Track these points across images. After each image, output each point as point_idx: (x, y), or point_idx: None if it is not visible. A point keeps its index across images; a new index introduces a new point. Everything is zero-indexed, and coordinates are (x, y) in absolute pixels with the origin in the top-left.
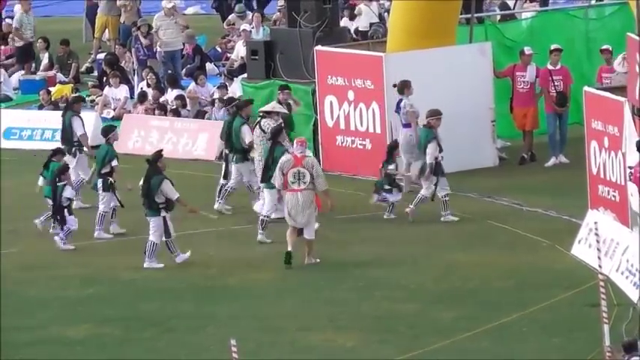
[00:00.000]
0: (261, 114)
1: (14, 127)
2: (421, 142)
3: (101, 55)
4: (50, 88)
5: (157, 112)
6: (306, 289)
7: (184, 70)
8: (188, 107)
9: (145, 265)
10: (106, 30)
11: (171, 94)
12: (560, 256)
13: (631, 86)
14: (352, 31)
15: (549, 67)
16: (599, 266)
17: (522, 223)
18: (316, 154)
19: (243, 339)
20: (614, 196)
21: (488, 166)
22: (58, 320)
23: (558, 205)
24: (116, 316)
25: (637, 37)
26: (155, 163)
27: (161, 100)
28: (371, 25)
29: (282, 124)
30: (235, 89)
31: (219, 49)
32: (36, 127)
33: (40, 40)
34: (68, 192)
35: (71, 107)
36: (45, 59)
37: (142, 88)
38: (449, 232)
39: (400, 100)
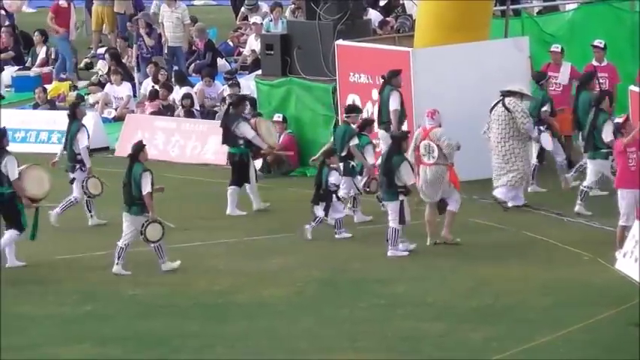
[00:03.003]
0: (503, 93)
1: (7, 128)
2: None
3: (102, 50)
4: (46, 86)
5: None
6: (324, 307)
7: (193, 65)
8: (196, 106)
9: (389, 254)
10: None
11: (178, 93)
12: (603, 270)
13: None
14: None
15: (594, 63)
16: None
17: (562, 234)
18: None
19: None
20: None
21: None
22: (51, 339)
23: (601, 215)
24: (115, 335)
25: None
26: (400, 141)
27: (169, 99)
28: (383, 21)
29: None
30: (245, 88)
31: (230, 44)
32: (30, 129)
33: (36, 33)
34: (334, 177)
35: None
36: (42, 54)
37: (152, 86)
38: (479, 243)
39: None
